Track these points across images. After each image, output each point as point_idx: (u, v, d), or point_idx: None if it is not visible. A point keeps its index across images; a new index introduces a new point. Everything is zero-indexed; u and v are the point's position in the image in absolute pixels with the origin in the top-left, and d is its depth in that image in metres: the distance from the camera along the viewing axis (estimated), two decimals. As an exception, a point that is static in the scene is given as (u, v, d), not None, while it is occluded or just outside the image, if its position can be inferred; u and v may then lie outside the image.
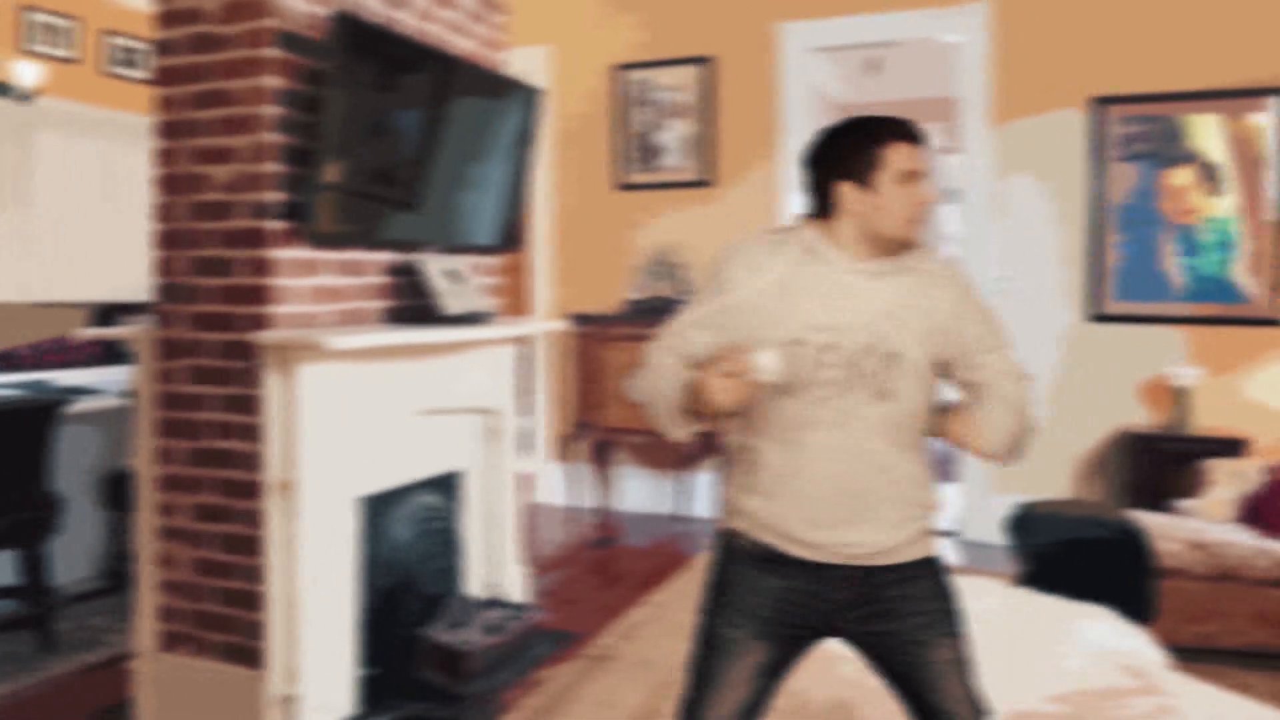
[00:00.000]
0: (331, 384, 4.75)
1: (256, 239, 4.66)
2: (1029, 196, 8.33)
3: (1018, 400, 3.04)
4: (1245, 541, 5.97)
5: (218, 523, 4.79)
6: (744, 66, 9.20)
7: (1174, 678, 4.74)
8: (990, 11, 8.36)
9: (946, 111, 11.91)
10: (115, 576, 7.02)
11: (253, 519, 4.69)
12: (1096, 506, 6.63)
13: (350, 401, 4.89)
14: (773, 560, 3.05)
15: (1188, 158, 7.85)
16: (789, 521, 3.02)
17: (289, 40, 4.70)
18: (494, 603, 5.94)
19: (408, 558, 5.49)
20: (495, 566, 6.25)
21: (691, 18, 9.37)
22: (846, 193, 2.98)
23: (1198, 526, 6.23)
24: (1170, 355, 7.87)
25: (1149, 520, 6.29)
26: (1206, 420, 7.71)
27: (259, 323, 4.64)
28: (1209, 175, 7.80)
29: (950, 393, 3.13)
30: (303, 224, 4.69)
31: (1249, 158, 7.69)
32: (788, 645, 3.08)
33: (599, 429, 9.10)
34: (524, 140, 6.19)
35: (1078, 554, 5.98)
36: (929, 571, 3.09)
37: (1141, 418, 8.00)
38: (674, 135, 9.43)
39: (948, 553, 8.16)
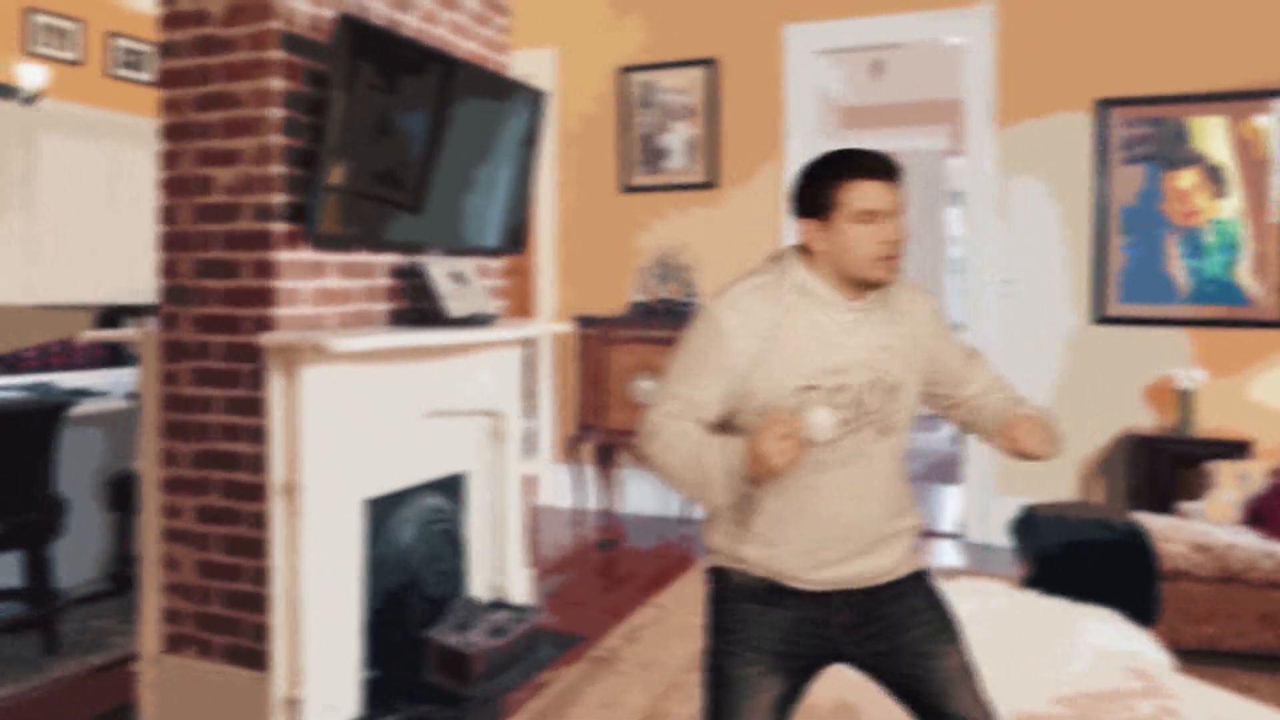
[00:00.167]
0: (336, 386, 4.75)
1: (261, 241, 4.66)
2: (1033, 199, 8.33)
3: (1018, 396, 3.18)
4: (1250, 544, 5.97)
5: (222, 525, 4.79)
6: (748, 69, 9.20)
7: (1178, 680, 4.73)
8: (995, 13, 8.35)
9: (950, 113, 11.93)
10: (119, 579, 7.02)
11: (257, 521, 4.69)
12: (1101, 509, 6.63)
13: (354, 404, 4.89)
14: (775, 592, 3.04)
15: (1192, 160, 7.85)
16: (790, 564, 3.01)
17: (293, 42, 4.71)
18: (498, 605, 5.95)
19: (412, 560, 5.49)
20: (500, 569, 6.25)
21: (696, 20, 9.37)
22: (810, 232, 2.97)
23: (1202, 529, 6.23)
24: (1175, 358, 7.87)
25: (1153, 522, 6.29)
26: (1211, 422, 7.71)
27: (263, 325, 4.64)
28: (1214, 177, 7.80)
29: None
30: (307, 226, 4.69)
31: (1253, 160, 7.69)
32: (799, 675, 3.07)
33: (603, 431, 9.10)
34: (528, 142, 6.20)
35: (1082, 556, 5.98)
36: (921, 583, 3.11)
37: (1146, 420, 7.99)
38: (678, 137, 9.43)
39: (951, 555, 8.17)
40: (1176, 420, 7.66)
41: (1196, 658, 5.75)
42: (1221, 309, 7.77)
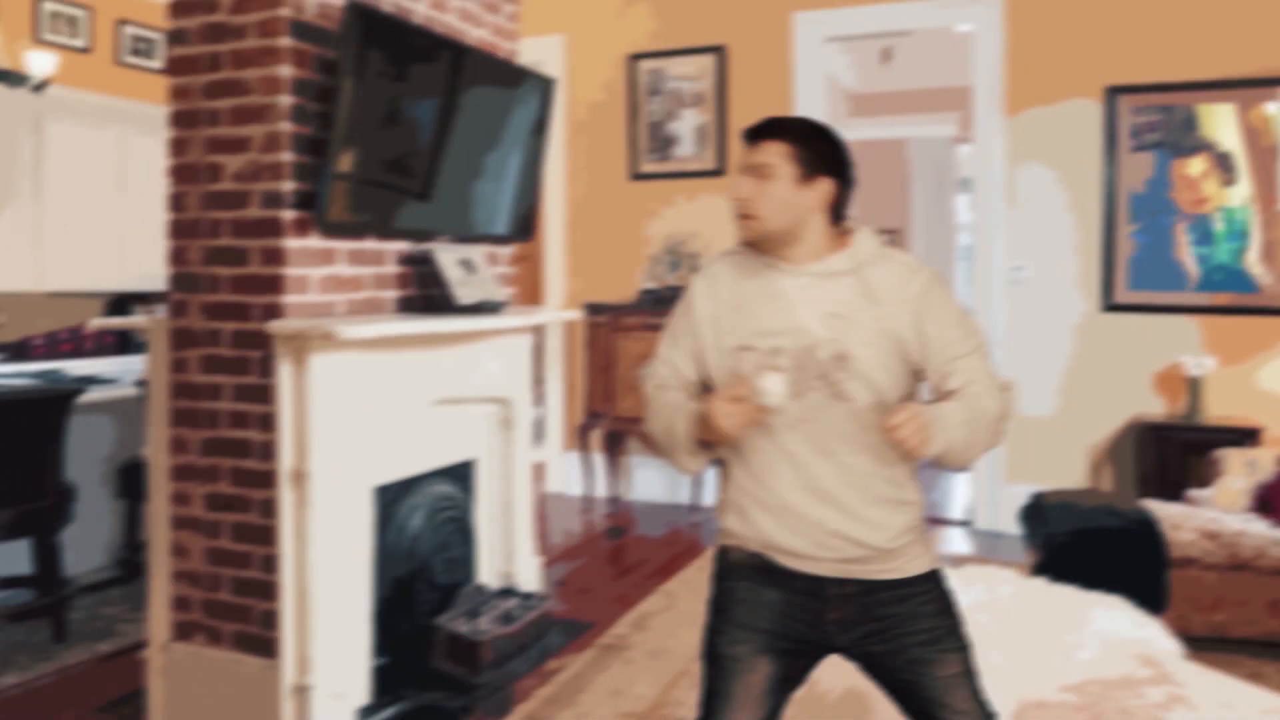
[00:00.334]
0: (344, 373, 4.75)
1: (270, 228, 4.66)
2: (1042, 186, 8.33)
3: (990, 412, 2.93)
4: (1259, 531, 5.97)
5: (231, 512, 4.79)
6: (757, 56, 9.19)
7: (1187, 667, 4.73)
8: (1004, 1, 8.34)
9: (960, 100, 11.92)
10: (128, 566, 7.03)
11: (266, 508, 4.69)
12: (1110, 496, 6.63)
13: (364, 391, 4.89)
14: (769, 571, 3.03)
15: (1201, 147, 7.84)
16: (765, 532, 3.01)
17: (302, 30, 4.70)
18: (507, 592, 5.95)
19: (421, 547, 5.49)
20: (509, 556, 6.25)
21: (705, 7, 9.36)
22: None
23: (1211, 516, 6.23)
24: (1184, 345, 7.86)
25: (1162, 510, 6.29)
26: (1220, 410, 7.71)
27: (272, 312, 4.64)
28: (1222, 165, 7.79)
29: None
30: (316, 214, 4.68)
31: (1262, 147, 7.68)
32: (791, 659, 3.05)
33: (612, 418, 9.12)
34: (537, 130, 6.20)
35: (1091, 543, 5.98)
36: (929, 587, 3.03)
37: (1155, 407, 7.99)
38: (687, 125, 9.43)
39: (960, 542, 8.17)
40: (1185, 407, 7.66)
41: (1206, 645, 5.74)
42: (1230, 296, 7.77)
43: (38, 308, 9.64)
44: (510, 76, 5.93)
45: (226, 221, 4.75)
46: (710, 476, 9.24)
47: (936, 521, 8.74)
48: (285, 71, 4.63)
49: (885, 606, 2.96)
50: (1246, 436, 7.28)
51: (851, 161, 3.05)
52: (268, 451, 4.67)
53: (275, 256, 4.65)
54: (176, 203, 4.89)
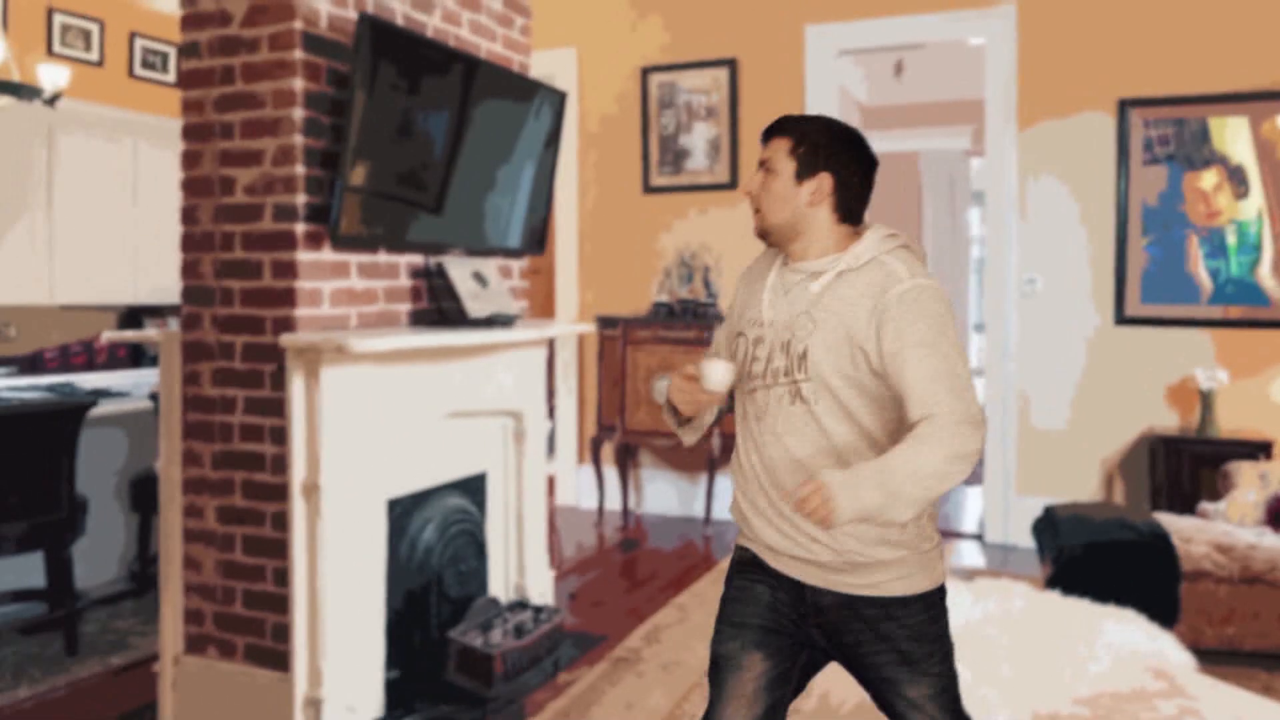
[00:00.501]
0: (357, 387, 4.76)
1: (282, 242, 4.67)
2: (1054, 199, 8.32)
3: (929, 462, 2.64)
4: (1271, 544, 5.96)
5: (243, 525, 4.80)
6: (769, 69, 9.20)
7: (1199, 680, 4.73)
8: (1016, 14, 8.34)
9: (972, 113, 11.93)
10: (140, 579, 7.04)
11: (278, 521, 4.70)
12: (1122, 509, 6.61)
13: (376, 404, 4.89)
14: (759, 569, 3.07)
15: (1214, 160, 7.83)
16: (752, 521, 3.07)
17: (314, 43, 4.71)
18: (520, 605, 5.95)
19: (434, 560, 5.49)
20: (521, 569, 6.26)
21: (717, 20, 9.37)
22: None
23: (1224, 529, 6.22)
24: (1197, 358, 7.85)
25: (1175, 523, 6.28)
26: (1233, 423, 7.70)
27: (284, 325, 4.64)
28: (1235, 178, 7.78)
29: None
30: (328, 227, 4.69)
31: (1274, 160, 7.67)
32: (783, 656, 3.03)
33: (624, 431, 9.11)
34: (549, 143, 6.21)
35: (1103, 556, 5.97)
36: (915, 609, 2.94)
37: (1168, 420, 7.98)
38: (699, 138, 9.43)
39: (972, 555, 8.16)
40: (1198, 421, 7.64)
41: (1218, 658, 5.74)
42: (1243, 309, 7.76)
43: (50, 320, 9.68)
44: (522, 89, 5.94)
45: (239, 234, 4.76)
46: (725, 489, 9.25)
47: (947, 535, 8.73)
48: (297, 85, 4.64)
49: (864, 623, 2.94)
50: (1259, 450, 7.27)
51: (862, 159, 3.02)
52: (280, 464, 4.68)
53: (287, 270, 4.65)
54: (189, 216, 4.90)
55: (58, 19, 9.65)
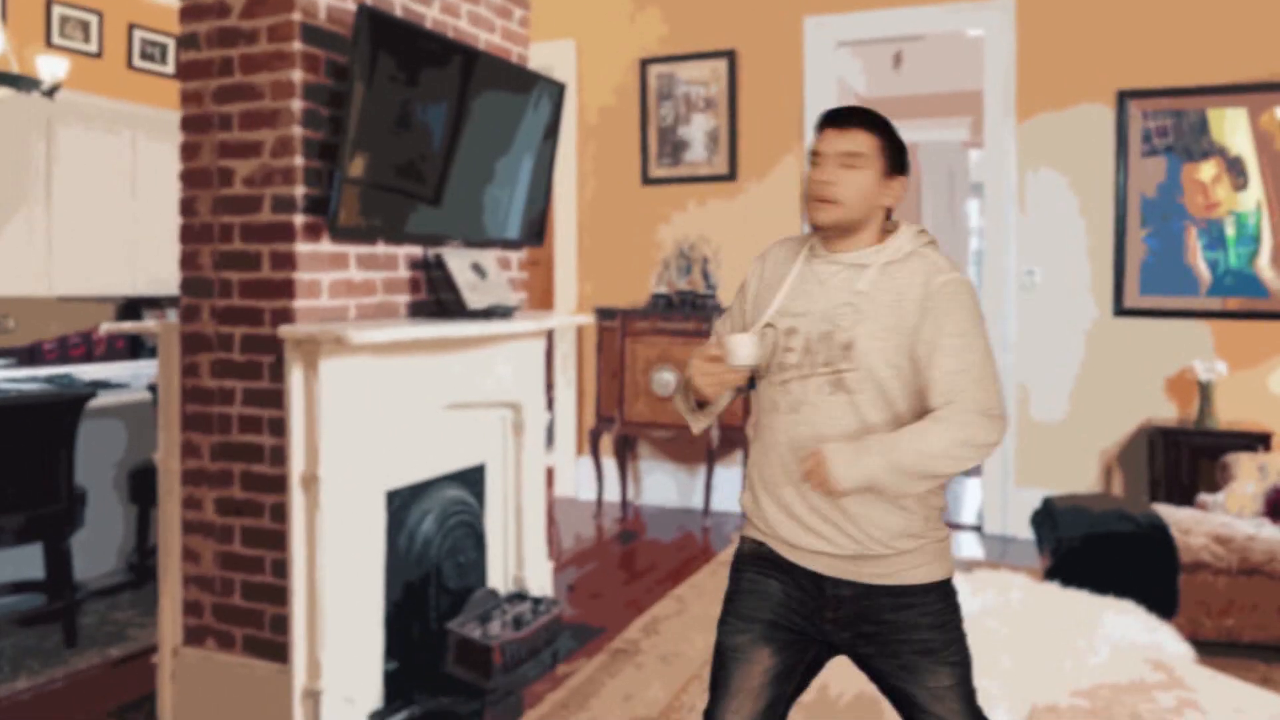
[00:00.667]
0: (356, 378, 4.76)
1: (281, 233, 4.67)
2: (1053, 191, 8.32)
3: (935, 444, 2.75)
4: (1270, 535, 5.96)
5: (242, 517, 4.80)
6: (768, 60, 9.19)
7: (1197, 671, 4.73)
8: (1015, 5, 8.34)
9: (971, 105, 11.92)
10: (139, 570, 7.04)
11: (277, 513, 4.70)
12: (1121, 500, 6.62)
13: (375, 395, 4.89)
14: (772, 563, 3.05)
15: (1212, 152, 7.83)
16: (769, 515, 3.03)
17: (313, 34, 4.71)
18: (518, 597, 5.95)
19: (432, 552, 5.48)
20: (520, 561, 6.26)
21: (715, 11, 9.36)
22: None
23: (1222, 520, 6.22)
24: (1195, 349, 7.86)
25: (1174, 514, 6.29)
26: (1231, 414, 7.70)
27: (283, 316, 4.64)
28: (1234, 169, 7.78)
29: None
30: (327, 218, 4.69)
31: (1273, 151, 7.67)
32: (791, 651, 3.03)
33: (623, 423, 9.11)
34: (548, 134, 6.20)
35: (1102, 548, 5.98)
36: (932, 599, 2.97)
37: (1167, 412, 7.99)
38: (698, 129, 9.43)
39: (971, 547, 8.17)
40: (1197, 412, 7.65)
41: (1216, 650, 5.75)
42: (1241, 301, 7.76)
43: (49, 312, 9.68)
44: (521, 81, 5.94)
45: (237, 226, 4.76)
46: (724, 480, 9.26)
47: (947, 526, 8.73)
48: (296, 76, 4.63)
49: (882, 613, 2.94)
50: (1258, 441, 7.27)
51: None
52: (279, 456, 4.68)
53: (286, 261, 4.65)
54: (187, 207, 4.89)
55: (56, 10, 9.65)
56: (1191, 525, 6.12)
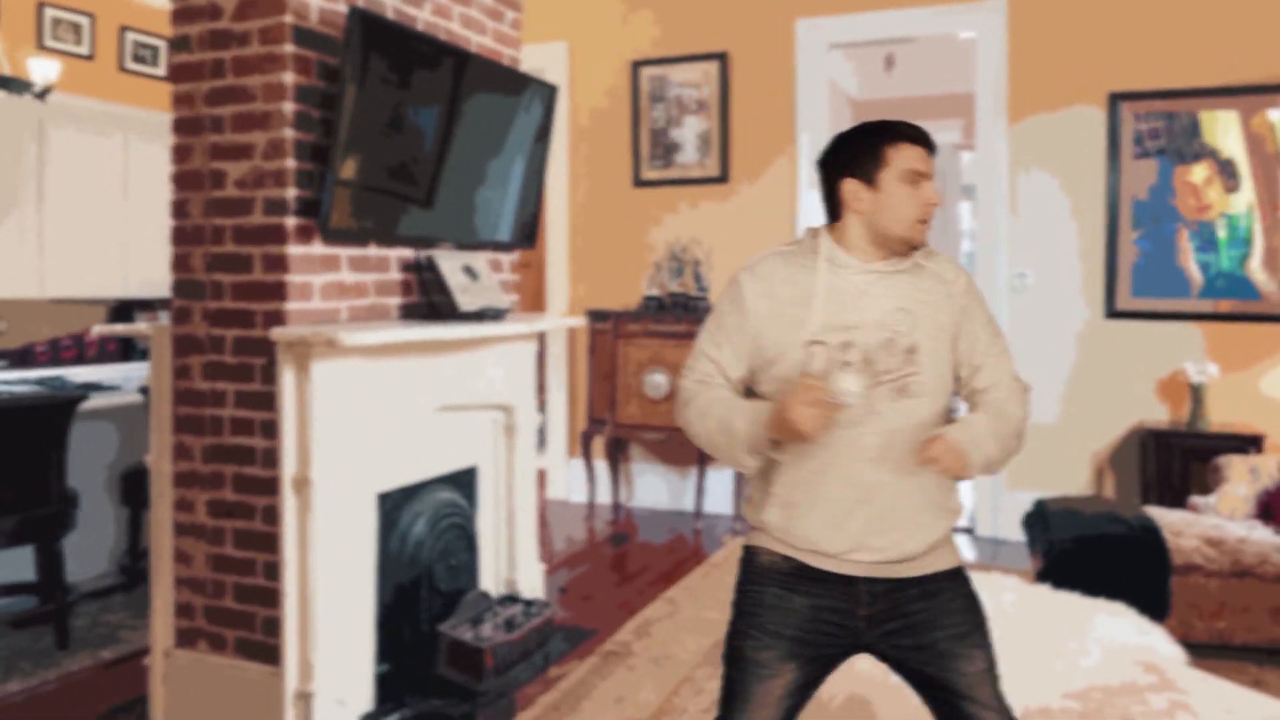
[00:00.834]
0: (348, 380, 4.76)
1: (273, 235, 4.66)
2: (1045, 193, 8.32)
3: (1014, 418, 3.03)
4: (1262, 538, 5.97)
5: (233, 519, 4.79)
6: (760, 63, 9.20)
7: (1189, 674, 4.73)
8: (1007, 7, 8.34)
9: (963, 107, 11.92)
10: (131, 573, 7.03)
11: (268, 515, 4.70)
12: (1113, 503, 6.63)
13: (366, 398, 4.89)
14: (799, 577, 3.02)
15: (1204, 154, 7.83)
16: (811, 531, 2.99)
17: (305, 36, 4.71)
18: (510, 599, 5.95)
19: (424, 554, 5.48)
20: (512, 563, 6.26)
21: (707, 13, 9.36)
22: (853, 190, 3.02)
23: (1214, 523, 6.22)
24: (1187, 352, 7.86)
25: (1165, 516, 6.29)
26: (1223, 416, 7.71)
27: (275, 318, 4.64)
28: (1225, 171, 7.79)
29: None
30: (319, 220, 4.69)
31: (1265, 154, 7.68)
32: (816, 665, 3.04)
33: (615, 425, 9.11)
34: (539, 136, 6.20)
35: (1094, 550, 5.98)
36: (956, 583, 3.06)
37: (1158, 414, 7.99)
38: (690, 132, 9.43)
39: (963, 549, 8.17)
40: (1188, 414, 7.65)
41: (1208, 652, 5.75)
42: (1233, 303, 7.77)
43: (41, 314, 9.67)
44: (513, 83, 5.94)
45: (229, 228, 4.76)
46: (716, 483, 9.25)
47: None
48: (288, 78, 4.63)
49: (913, 602, 2.99)
50: (1249, 443, 7.28)
51: None
52: (270, 458, 4.68)
53: (278, 263, 4.65)
54: (179, 209, 4.89)
55: (48, 13, 9.64)
56: (1183, 527, 6.12)
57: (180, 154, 4.89)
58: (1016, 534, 8.19)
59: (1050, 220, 8.30)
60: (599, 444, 9.70)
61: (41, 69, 8.78)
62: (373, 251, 5.18)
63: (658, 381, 8.82)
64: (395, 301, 5.36)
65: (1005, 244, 8.41)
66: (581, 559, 8.02)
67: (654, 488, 9.68)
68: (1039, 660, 4.65)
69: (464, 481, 5.93)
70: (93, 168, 9.68)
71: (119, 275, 9.94)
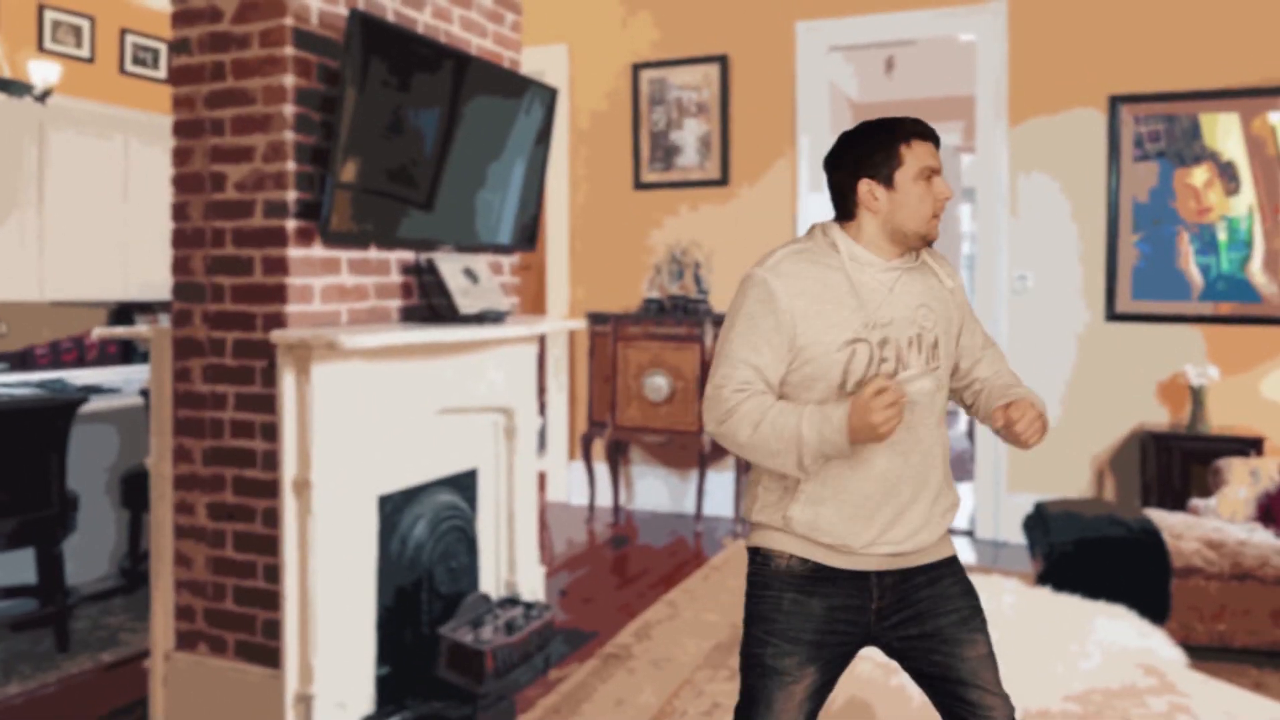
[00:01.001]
0: (348, 383, 4.76)
1: (273, 238, 4.66)
2: (1045, 195, 8.32)
3: (1023, 388, 3.13)
4: (1262, 540, 5.97)
5: (234, 521, 4.79)
6: (760, 65, 9.20)
7: (1190, 676, 4.73)
8: (1007, 10, 8.34)
9: (963, 110, 11.93)
10: (131, 575, 7.03)
11: (269, 518, 4.70)
12: (1113, 505, 6.62)
13: (367, 400, 4.89)
14: (815, 579, 3.03)
15: (1205, 157, 7.83)
16: (839, 526, 2.99)
17: (305, 39, 4.71)
18: (510, 601, 5.95)
19: (424, 556, 5.48)
20: (512, 565, 6.25)
21: (707, 16, 9.36)
22: (869, 190, 3.00)
23: (1214, 525, 6.22)
24: (1187, 354, 7.86)
25: (1166, 519, 6.29)
26: (1223, 419, 7.71)
27: (275, 321, 4.64)
28: (1226, 174, 7.78)
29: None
30: (319, 223, 4.69)
31: (1265, 156, 7.68)
32: (834, 664, 3.07)
33: (615, 428, 9.11)
34: (540, 139, 6.21)
35: (1094, 553, 5.98)
36: (953, 569, 3.10)
37: (1159, 417, 7.99)
38: (690, 134, 9.43)
39: (963, 552, 8.16)
40: (1189, 417, 7.65)
41: (1208, 654, 5.75)
42: (1233, 306, 7.77)
43: (41, 317, 9.67)
44: (513, 86, 5.94)
45: (229, 231, 4.76)
46: (716, 486, 9.25)
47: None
48: (288, 81, 4.63)
49: (918, 590, 3.03)
50: (1250, 446, 7.27)
51: None
52: (271, 461, 4.68)
53: (278, 266, 4.65)
54: (179, 212, 4.89)
55: (48, 15, 9.64)
56: (1183, 530, 6.12)
57: (180, 157, 4.89)
58: (1017, 537, 8.19)
59: (1050, 223, 8.30)
60: (599, 446, 9.70)
61: (42, 71, 8.78)
62: (373, 254, 5.18)
63: (658, 384, 8.81)
64: (395, 304, 5.36)
65: (1005, 246, 8.41)
66: (582, 561, 8.02)
67: (654, 490, 9.68)
68: (1039, 663, 4.65)
69: (464, 484, 5.93)
70: (93, 170, 9.68)
71: (119, 278, 9.94)
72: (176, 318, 4.90)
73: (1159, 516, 6.33)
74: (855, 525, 2.98)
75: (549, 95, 6.20)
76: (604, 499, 9.74)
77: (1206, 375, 7.52)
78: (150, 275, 9.92)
